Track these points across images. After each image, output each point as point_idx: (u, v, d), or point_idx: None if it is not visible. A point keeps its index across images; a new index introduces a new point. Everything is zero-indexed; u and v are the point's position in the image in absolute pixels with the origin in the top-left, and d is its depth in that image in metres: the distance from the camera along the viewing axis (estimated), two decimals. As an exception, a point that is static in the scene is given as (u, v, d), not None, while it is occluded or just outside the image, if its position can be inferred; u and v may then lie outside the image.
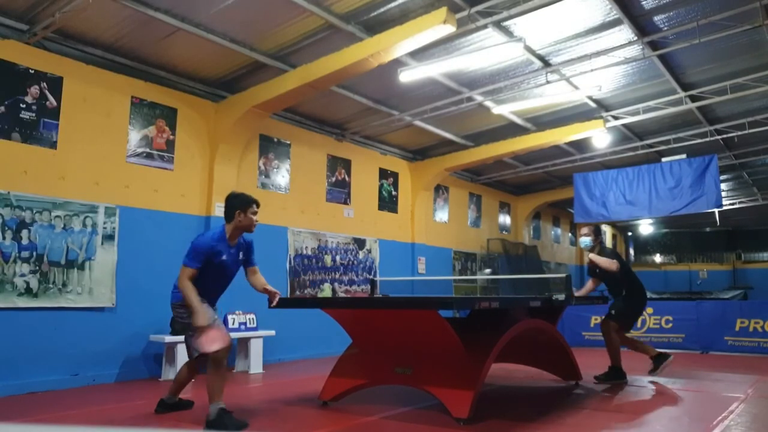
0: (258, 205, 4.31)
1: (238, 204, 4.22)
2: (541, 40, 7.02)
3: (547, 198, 15.27)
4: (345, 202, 9.92)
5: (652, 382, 6.18)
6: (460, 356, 4.31)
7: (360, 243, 10.08)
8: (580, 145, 11.34)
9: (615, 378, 6.20)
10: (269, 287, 4.43)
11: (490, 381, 5.94)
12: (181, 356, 6.43)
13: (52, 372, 5.94)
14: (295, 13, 6.12)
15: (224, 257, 4.19)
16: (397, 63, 7.00)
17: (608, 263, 6.13)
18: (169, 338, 6.43)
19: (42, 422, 3.95)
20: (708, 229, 22.52)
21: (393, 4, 6.01)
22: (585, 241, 6.53)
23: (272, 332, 7.49)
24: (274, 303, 4.42)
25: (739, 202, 16.57)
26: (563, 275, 6.77)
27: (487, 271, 13.54)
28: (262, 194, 8.43)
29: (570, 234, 18.59)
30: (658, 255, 24.02)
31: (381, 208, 10.72)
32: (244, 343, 7.28)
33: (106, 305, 6.44)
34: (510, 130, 10.21)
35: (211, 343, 3.94)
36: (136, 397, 5.45)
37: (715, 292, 16.33)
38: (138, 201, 6.91)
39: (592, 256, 6.28)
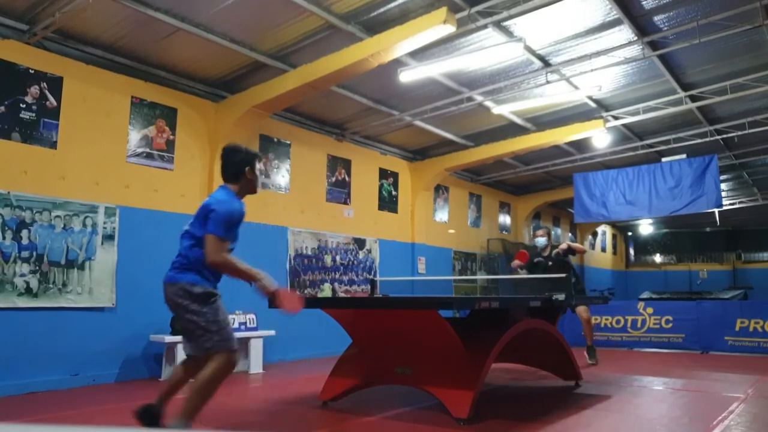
0: (261, 160, 3.64)
1: (248, 159, 3.49)
2: (541, 40, 7.02)
3: (547, 198, 15.26)
4: (345, 202, 9.92)
5: (651, 383, 6.18)
6: (460, 356, 4.31)
7: (360, 243, 10.08)
8: (580, 145, 11.33)
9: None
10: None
11: (490, 381, 5.94)
12: (182, 356, 6.43)
13: (52, 372, 5.94)
14: (295, 13, 6.12)
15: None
16: (397, 63, 7.00)
17: (583, 248, 7.79)
18: (169, 338, 6.43)
19: (42, 422, 3.95)
20: (708, 229, 22.51)
21: (393, 4, 6.01)
22: (542, 241, 7.72)
23: (272, 332, 7.49)
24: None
25: (739, 202, 16.57)
26: (563, 275, 6.82)
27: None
28: (262, 194, 8.43)
29: (570, 234, 18.59)
30: (658, 255, 24.01)
31: (381, 208, 10.72)
32: (244, 343, 7.27)
33: (106, 305, 6.44)
34: (510, 130, 10.21)
35: (295, 303, 3.37)
36: (136, 397, 5.43)
37: (715, 292, 16.32)
38: (138, 201, 6.91)
39: (571, 244, 7.61)
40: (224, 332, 3.33)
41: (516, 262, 7.50)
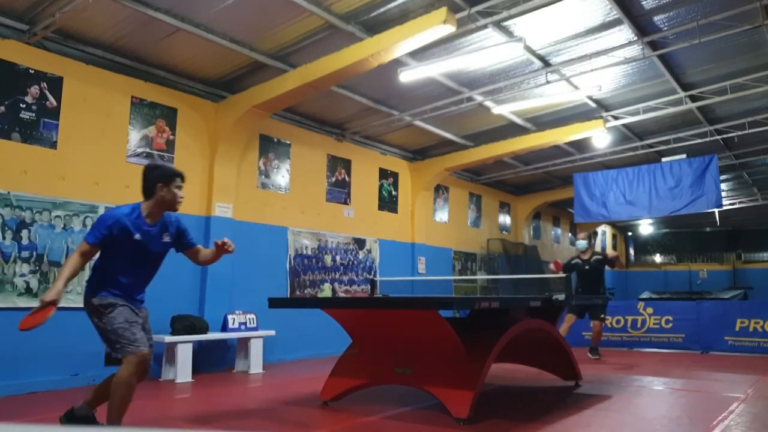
0: (183, 179, 3.68)
1: (160, 176, 3.61)
2: (541, 40, 7.02)
3: (547, 198, 15.26)
4: (345, 202, 9.92)
5: (651, 383, 6.18)
6: (460, 356, 4.31)
7: (360, 243, 10.08)
8: (580, 145, 11.34)
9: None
10: (218, 242, 3.73)
11: (490, 381, 5.94)
12: (182, 356, 6.44)
13: (52, 372, 5.94)
14: (295, 13, 6.12)
15: (138, 236, 3.56)
16: (397, 63, 7.00)
17: (621, 263, 8.04)
18: (168, 338, 6.43)
19: (42, 422, 3.95)
20: (708, 229, 22.51)
21: (393, 4, 6.01)
22: (582, 244, 8.13)
23: (272, 332, 7.49)
24: (231, 248, 3.71)
25: (739, 202, 16.57)
26: (563, 275, 6.83)
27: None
28: (262, 194, 8.44)
29: (570, 234, 18.59)
30: (658, 255, 24.01)
31: (381, 208, 10.72)
32: (244, 343, 7.28)
33: (106, 305, 6.43)
34: (510, 130, 10.21)
35: (30, 320, 3.41)
36: (136, 397, 5.42)
37: (715, 292, 16.32)
38: (138, 201, 6.89)
39: (610, 254, 8.26)
40: (123, 339, 3.49)
41: (552, 268, 8.05)
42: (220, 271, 7.54)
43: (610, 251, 7.88)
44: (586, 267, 7.96)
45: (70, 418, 3.83)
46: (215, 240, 3.79)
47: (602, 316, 7.94)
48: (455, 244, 12.72)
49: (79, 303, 6.11)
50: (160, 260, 3.80)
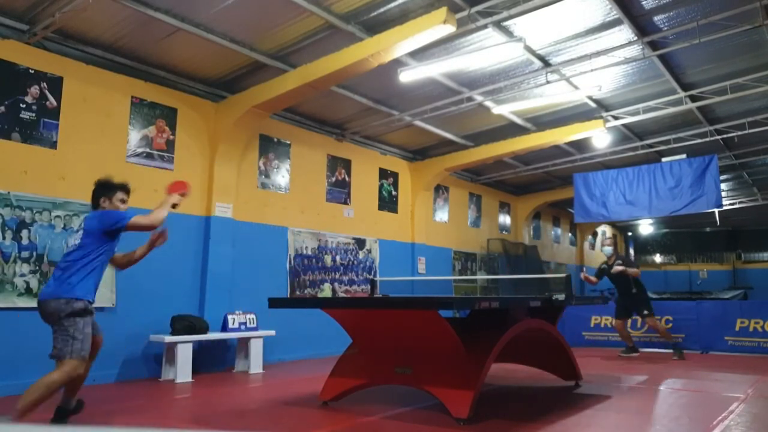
0: (127, 192, 4.06)
1: (102, 191, 3.99)
2: (541, 40, 7.02)
3: (547, 198, 15.26)
4: (345, 202, 9.92)
5: (651, 383, 6.18)
6: (460, 356, 4.31)
7: (360, 243, 10.09)
8: (580, 145, 11.34)
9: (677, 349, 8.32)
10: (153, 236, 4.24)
11: (490, 381, 5.94)
12: (182, 356, 6.44)
13: (52, 372, 5.93)
14: (295, 13, 6.12)
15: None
16: (397, 63, 7.00)
17: (636, 272, 8.50)
18: (168, 338, 6.43)
19: (42, 422, 3.95)
20: (708, 229, 22.52)
21: (393, 4, 6.01)
22: (608, 250, 8.89)
23: (272, 332, 7.49)
24: (161, 239, 4.29)
25: (739, 202, 16.57)
26: (563, 275, 6.83)
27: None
28: (262, 194, 8.44)
29: (570, 234, 18.60)
30: (658, 255, 24.01)
31: (381, 208, 10.72)
32: (244, 343, 7.28)
33: (106, 305, 6.44)
34: (510, 130, 10.21)
35: (179, 185, 4.13)
36: (136, 397, 5.45)
37: (715, 292, 16.34)
38: (138, 201, 6.86)
39: (627, 270, 8.42)
40: (82, 345, 3.75)
41: (586, 278, 8.54)
42: (220, 271, 7.55)
43: (615, 268, 8.49)
44: (612, 271, 8.57)
45: (59, 416, 3.97)
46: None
47: (645, 312, 8.35)
48: (455, 244, 12.73)
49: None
50: None
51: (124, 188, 4.04)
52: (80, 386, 4.03)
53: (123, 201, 4.01)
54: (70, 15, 5.64)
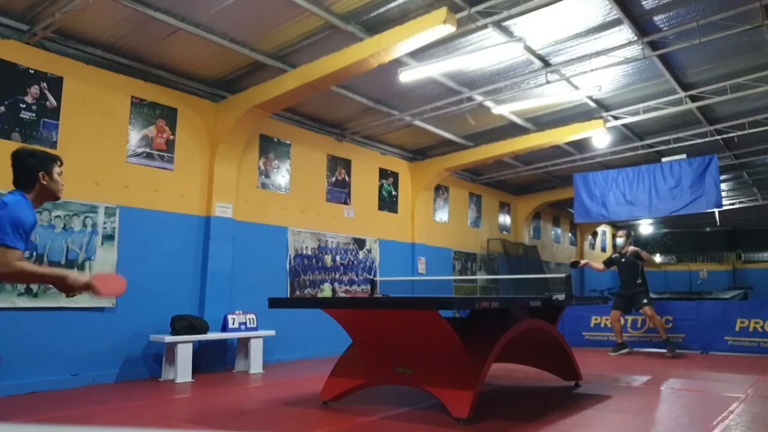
0: (62, 163, 3.17)
1: (41, 164, 3.06)
2: (541, 40, 7.02)
3: (547, 198, 15.26)
4: (345, 202, 9.92)
5: (651, 383, 6.18)
6: (460, 356, 4.31)
7: (360, 243, 10.09)
8: (580, 145, 11.34)
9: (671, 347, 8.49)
10: None
11: (490, 381, 5.94)
12: (182, 356, 6.44)
13: (52, 372, 5.94)
14: (295, 13, 6.12)
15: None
16: (397, 63, 7.00)
17: (650, 257, 8.60)
18: (169, 338, 6.44)
19: (42, 422, 3.95)
20: (708, 229, 22.51)
21: (393, 4, 6.01)
22: (621, 241, 9.00)
23: (272, 332, 7.49)
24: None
25: (739, 202, 16.57)
26: (563, 275, 6.83)
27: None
28: (262, 194, 8.44)
29: (570, 234, 18.60)
30: (658, 255, 24.00)
31: (381, 208, 10.72)
32: (244, 343, 7.28)
33: (106, 305, 6.44)
34: (510, 130, 10.21)
35: (114, 285, 3.12)
36: (136, 397, 5.45)
37: (715, 292, 16.31)
38: (138, 201, 6.91)
39: (642, 253, 8.80)
40: None
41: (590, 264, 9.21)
42: (220, 271, 7.55)
43: (643, 254, 8.85)
44: (623, 260, 8.81)
45: None
46: None
47: (645, 301, 8.51)
48: (455, 244, 12.73)
49: (80, 303, 6.16)
50: None
51: (60, 159, 3.20)
52: None
53: (60, 174, 3.16)
54: (70, 15, 5.64)
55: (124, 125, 6.87)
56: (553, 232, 17.46)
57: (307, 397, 5.26)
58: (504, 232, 14.73)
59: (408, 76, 7.21)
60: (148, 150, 7.07)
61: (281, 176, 8.77)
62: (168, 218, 7.16)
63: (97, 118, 6.59)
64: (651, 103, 8.98)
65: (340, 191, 9.84)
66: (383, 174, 10.84)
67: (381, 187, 10.76)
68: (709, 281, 20.99)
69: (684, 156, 10.77)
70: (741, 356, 8.43)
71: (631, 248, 8.81)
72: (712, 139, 10.39)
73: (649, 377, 6.53)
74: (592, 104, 9.15)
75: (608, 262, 9.21)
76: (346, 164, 10.01)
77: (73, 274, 2.97)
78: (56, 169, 3.12)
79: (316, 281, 9.18)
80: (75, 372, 6.13)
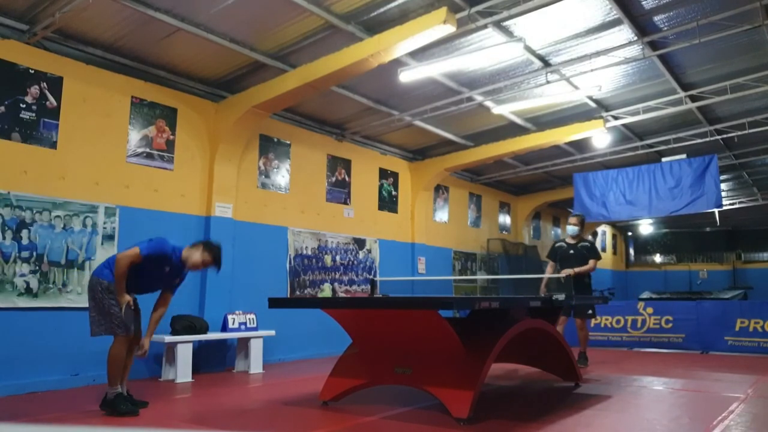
0: (218, 267, 5.29)
1: (212, 259, 5.22)
2: (541, 40, 7.02)
3: (547, 198, 15.26)
4: (345, 202, 9.92)
5: (651, 383, 6.18)
6: (460, 356, 4.31)
7: (360, 243, 10.09)
8: (580, 145, 11.34)
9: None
10: (148, 338, 4.88)
11: (490, 381, 5.94)
12: (182, 356, 6.44)
13: (52, 372, 5.94)
14: (295, 13, 6.12)
15: (167, 269, 4.97)
16: (397, 63, 7.00)
17: (592, 267, 7.11)
18: (169, 338, 6.43)
19: (42, 422, 3.95)
20: (708, 229, 22.51)
21: (393, 4, 6.01)
22: (574, 229, 7.27)
23: (272, 332, 7.49)
24: (140, 352, 4.87)
25: (739, 202, 16.57)
26: (563, 275, 6.83)
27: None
28: (262, 194, 8.44)
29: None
30: (658, 255, 24.00)
31: (381, 208, 10.72)
32: (244, 343, 7.28)
33: (106, 305, 6.42)
34: (510, 130, 10.21)
35: None
36: (136, 397, 5.43)
37: (715, 292, 16.30)
38: (138, 201, 6.91)
39: (593, 261, 7.13)
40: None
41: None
42: (221, 271, 7.53)
43: (591, 263, 7.10)
44: (571, 252, 7.12)
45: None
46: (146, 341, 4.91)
47: (590, 312, 7.04)
48: (455, 244, 12.73)
49: (80, 303, 6.16)
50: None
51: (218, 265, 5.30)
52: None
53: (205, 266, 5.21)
54: (70, 15, 5.64)
55: (124, 125, 6.87)
56: (553, 232, 17.46)
57: (307, 397, 5.26)
58: (504, 232, 14.73)
59: (408, 76, 7.21)
60: (148, 150, 7.07)
61: (281, 176, 8.77)
62: (168, 218, 7.15)
63: (97, 118, 6.59)
64: (651, 103, 8.98)
65: (340, 191, 9.84)
66: (383, 174, 10.84)
67: (381, 187, 10.76)
68: (709, 281, 21.00)
69: (684, 156, 10.77)
70: (741, 356, 8.44)
71: (585, 243, 7.26)
72: (712, 139, 10.39)
73: (649, 377, 6.52)
74: (592, 104, 9.15)
75: (551, 253, 7.47)
76: (346, 164, 10.01)
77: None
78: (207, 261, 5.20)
79: (316, 281, 9.18)
80: (75, 372, 6.13)
